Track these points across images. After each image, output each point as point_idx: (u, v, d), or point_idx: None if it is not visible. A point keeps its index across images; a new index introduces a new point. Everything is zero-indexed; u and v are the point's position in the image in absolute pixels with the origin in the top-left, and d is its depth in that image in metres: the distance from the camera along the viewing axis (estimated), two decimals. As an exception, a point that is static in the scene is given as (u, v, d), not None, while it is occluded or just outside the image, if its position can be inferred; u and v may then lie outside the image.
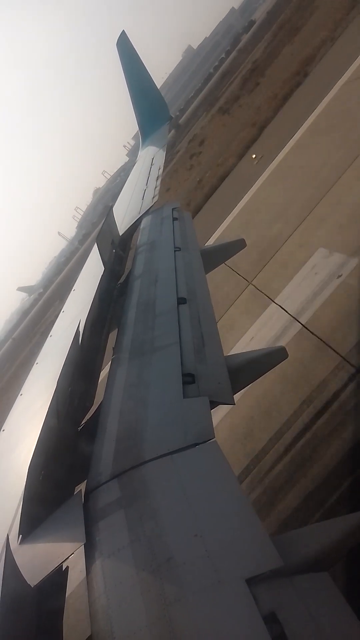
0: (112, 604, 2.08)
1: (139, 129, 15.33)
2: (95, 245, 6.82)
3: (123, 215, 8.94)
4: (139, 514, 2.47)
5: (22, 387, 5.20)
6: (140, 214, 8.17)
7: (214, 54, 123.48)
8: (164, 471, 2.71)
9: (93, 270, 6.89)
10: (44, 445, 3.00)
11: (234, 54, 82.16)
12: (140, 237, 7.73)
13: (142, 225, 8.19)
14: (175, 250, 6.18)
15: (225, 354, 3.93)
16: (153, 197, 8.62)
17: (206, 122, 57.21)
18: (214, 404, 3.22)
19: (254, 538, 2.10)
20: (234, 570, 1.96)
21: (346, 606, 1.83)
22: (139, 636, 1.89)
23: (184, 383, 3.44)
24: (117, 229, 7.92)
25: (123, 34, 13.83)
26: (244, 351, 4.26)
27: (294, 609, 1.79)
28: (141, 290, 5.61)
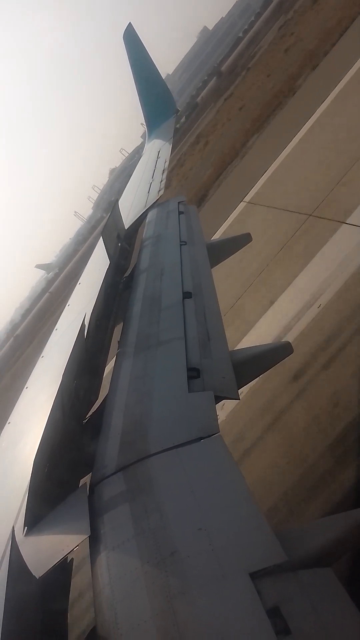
0: (117, 596, 2.10)
1: (145, 123, 15.25)
2: (101, 239, 6.82)
3: (129, 208, 8.93)
4: (144, 507, 2.48)
5: (27, 380, 5.23)
6: (146, 208, 8.15)
7: (230, 35, 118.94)
8: (168, 465, 2.72)
9: (98, 263, 6.89)
10: (49, 438, 3.02)
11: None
12: (146, 231, 7.72)
13: (147, 219, 8.17)
14: (181, 245, 6.17)
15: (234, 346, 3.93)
16: (159, 191, 8.60)
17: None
18: (218, 399, 3.22)
19: (258, 533, 2.11)
20: (237, 564, 1.97)
21: (349, 601, 1.84)
22: (144, 628, 1.91)
23: (189, 377, 3.44)
24: (123, 223, 7.91)
25: (130, 26, 13.73)
26: (249, 346, 4.26)
27: (297, 604, 1.80)
28: (146, 284, 5.61)
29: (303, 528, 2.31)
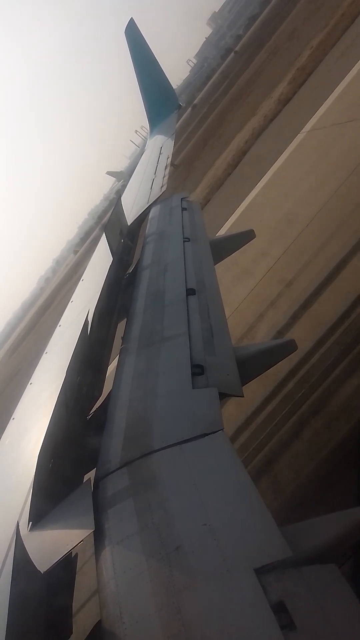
0: (121, 590, 2.10)
1: (147, 118, 15.22)
2: (104, 235, 6.82)
3: (132, 205, 8.91)
4: (148, 502, 2.49)
5: (31, 376, 5.24)
6: (149, 204, 8.14)
7: None
8: (173, 460, 2.73)
9: (102, 260, 6.89)
10: (53, 433, 3.03)
11: None
12: (149, 227, 7.71)
13: (150, 215, 8.16)
14: (184, 241, 6.16)
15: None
16: (161, 187, 8.57)
17: None
18: (222, 396, 3.22)
19: (262, 528, 2.11)
20: (242, 560, 1.97)
21: (353, 597, 1.84)
22: (148, 622, 1.91)
23: (193, 374, 3.44)
24: (126, 219, 7.90)
25: (131, 21, 13.67)
26: (252, 343, 4.25)
27: (302, 599, 1.80)
28: (150, 281, 5.61)
29: (308, 524, 2.31)
